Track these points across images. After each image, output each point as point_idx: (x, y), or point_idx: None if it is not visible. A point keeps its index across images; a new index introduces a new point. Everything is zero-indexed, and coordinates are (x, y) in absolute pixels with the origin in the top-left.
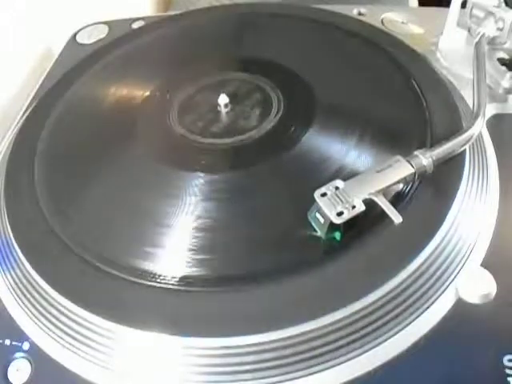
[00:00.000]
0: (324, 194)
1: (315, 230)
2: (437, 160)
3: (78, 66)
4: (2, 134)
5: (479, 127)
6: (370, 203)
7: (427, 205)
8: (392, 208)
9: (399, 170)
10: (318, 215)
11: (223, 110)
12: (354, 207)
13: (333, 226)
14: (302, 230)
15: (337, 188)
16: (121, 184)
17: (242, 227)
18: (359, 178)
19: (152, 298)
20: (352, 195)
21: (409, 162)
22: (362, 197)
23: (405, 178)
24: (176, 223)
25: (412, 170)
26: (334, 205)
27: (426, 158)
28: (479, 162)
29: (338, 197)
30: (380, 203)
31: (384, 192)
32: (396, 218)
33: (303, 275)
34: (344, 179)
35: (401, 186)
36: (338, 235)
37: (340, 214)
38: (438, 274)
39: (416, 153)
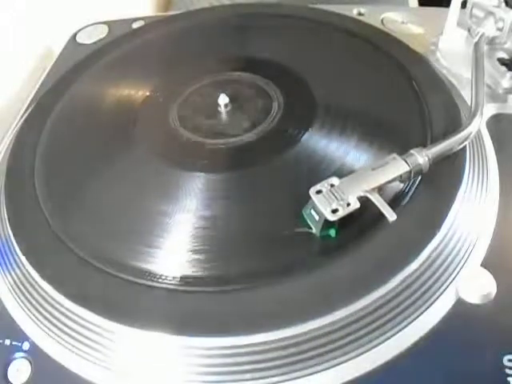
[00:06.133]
0: (319, 192)
1: (310, 227)
2: (433, 158)
3: (78, 66)
4: (2, 134)
5: (477, 126)
6: (367, 203)
7: (427, 205)
8: (386, 206)
9: (395, 168)
10: (312, 212)
11: (223, 110)
12: (348, 204)
13: (328, 223)
14: (303, 231)
15: (332, 185)
16: (121, 184)
17: (242, 227)
18: (354, 175)
19: (152, 298)
20: (347, 193)
21: (404, 160)
22: (356, 194)
23: (400, 175)
24: (176, 223)
25: (407, 168)
26: (329, 202)
27: (421, 157)
28: (479, 162)
29: (333, 194)
30: (374, 201)
31: (381, 190)
32: (390, 215)
33: (303, 275)
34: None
35: (401, 185)
36: (332, 232)
37: (335, 211)
38: (438, 274)
39: (412, 151)
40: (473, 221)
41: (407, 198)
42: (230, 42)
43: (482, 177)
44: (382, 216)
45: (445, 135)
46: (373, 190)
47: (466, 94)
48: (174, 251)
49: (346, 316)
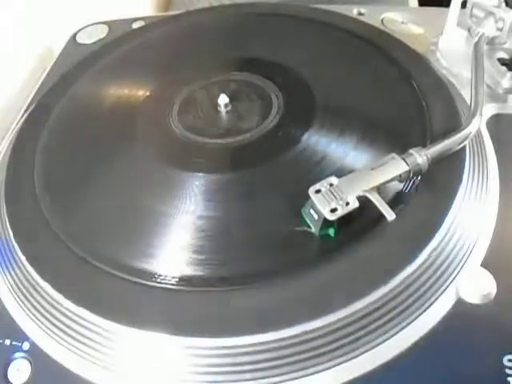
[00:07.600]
0: (318, 191)
1: (309, 227)
2: (432, 158)
3: (78, 66)
4: (2, 133)
5: (476, 126)
6: (368, 203)
7: (427, 204)
8: (385, 205)
9: (393, 168)
10: (312, 211)
11: (223, 110)
12: (347, 204)
13: (327, 223)
14: (302, 231)
15: (331, 185)
16: (121, 184)
17: (242, 227)
18: (354, 175)
19: (152, 298)
20: (346, 192)
21: (404, 159)
22: (355, 194)
23: (399, 175)
24: (176, 223)
25: (407, 168)
26: (328, 201)
27: (420, 156)
28: (479, 162)
29: (332, 193)
30: (373, 200)
31: (380, 189)
32: (389, 214)
33: (303, 275)
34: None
35: (400, 185)
36: (332, 232)
37: (334, 210)
38: (438, 273)
39: (411, 151)
40: (473, 221)
41: (407, 198)
42: (230, 41)
43: (482, 177)
44: (381, 216)
45: (444, 135)
46: (372, 189)
47: (466, 93)
48: (174, 251)
49: (345, 316)
